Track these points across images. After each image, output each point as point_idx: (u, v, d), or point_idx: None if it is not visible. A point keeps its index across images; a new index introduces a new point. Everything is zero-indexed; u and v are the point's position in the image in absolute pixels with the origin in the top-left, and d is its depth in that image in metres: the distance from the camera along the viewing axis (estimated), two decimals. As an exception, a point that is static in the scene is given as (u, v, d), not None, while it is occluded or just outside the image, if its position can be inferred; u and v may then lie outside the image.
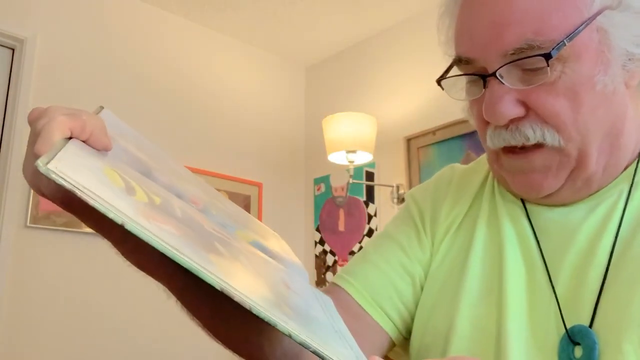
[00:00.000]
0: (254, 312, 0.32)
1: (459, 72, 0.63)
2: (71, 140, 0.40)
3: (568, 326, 0.57)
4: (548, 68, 0.54)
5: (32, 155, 0.42)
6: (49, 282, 2.37)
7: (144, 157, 0.50)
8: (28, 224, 2.35)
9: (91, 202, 0.32)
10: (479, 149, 3.02)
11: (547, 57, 0.54)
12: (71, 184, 0.32)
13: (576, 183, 0.61)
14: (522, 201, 0.66)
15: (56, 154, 0.35)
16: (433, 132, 2.75)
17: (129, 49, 2.81)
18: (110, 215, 0.32)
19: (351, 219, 3.08)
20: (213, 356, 2.76)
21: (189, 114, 2.98)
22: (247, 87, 3.29)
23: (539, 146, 0.58)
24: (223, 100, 3.15)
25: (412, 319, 0.69)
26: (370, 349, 0.65)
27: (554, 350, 0.57)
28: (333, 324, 0.46)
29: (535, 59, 0.54)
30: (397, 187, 2.85)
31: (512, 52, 0.55)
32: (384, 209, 2.92)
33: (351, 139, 2.66)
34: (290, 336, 0.32)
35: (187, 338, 2.70)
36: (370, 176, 3.02)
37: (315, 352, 0.33)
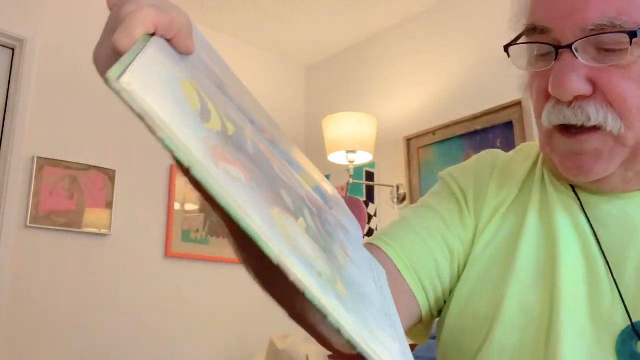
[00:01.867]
0: (307, 297, 0.30)
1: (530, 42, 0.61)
2: (154, 38, 0.36)
3: (634, 320, 0.56)
4: (630, 47, 0.53)
5: (109, 43, 0.37)
6: (49, 282, 2.37)
7: (217, 71, 0.46)
8: (28, 224, 2.35)
9: (159, 134, 0.29)
10: (479, 149, 3.00)
11: (632, 35, 0.52)
12: (142, 108, 0.28)
13: (628, 173, 0.60)
14: (575, 192, 0.65)
15: (132, 61, 0.31)
16: (433, 132, 2.75)
17: (129, 49, 2.81)
18: (179, 155, 0.29)
19: (351, 219, 3.08)
20: (215, 355, 2.76)
21: (189, 114, 2.98)
22: (247, 87, 3.28)
23: (596, 129, 0.56)
24: (223, 100, 3.15)
25: (444, 297, 0.68)
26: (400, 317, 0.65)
27: (612, 342, 0.56)
28: (384, 304, 0.44)
29: (615, 38, 0.53)
30: (397, 187, 2.85)
31: (592, 27, 0.54)
32: (384, 209, 2.92)
33: (351, 139, 2.66)
34: (339, 331, 0.31)
35: (187, 338, 2.70)
36: (370, 176, 3.02)
37: (361, 354, 0.31)
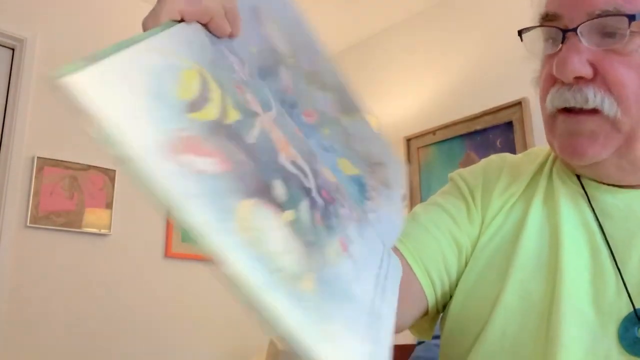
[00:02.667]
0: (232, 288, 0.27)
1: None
2: (180, 24, 0.38)
3: (636, 306, 0.58)
4: (628, 30, 0.56)
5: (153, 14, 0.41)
6: (49, 282, 2.37)
7: (282, 48, 0.45)
8: (28, 224, 2.35)
9: (93, 134, 0.26)
10: (479, 149, 2.98)
11: (631, 18, 0.56)
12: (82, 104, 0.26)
13: (621, 161, 0.62)
14: (582, 186, 0.67)
15: (94, 62, 0.29)
16: (433, 132, 2.75)
17: (129, 49, 2.81)
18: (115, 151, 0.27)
19: (351, 219, 3.07)
20: (215, 355, 2.76)
21: (189, 114, 2.98)
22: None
23: (594, 112, 0.59)
24: (223, 100, 3.15)
25: (450, 291, 0.69)
26: (406, 310, 0.65)
27: (615, 328, 0.57)
28: (374, 305, 0.41)
29: (617, 22, 0.57)
30: (397, 187, 2.85)
31: (599, 12, 0.57)
32: (384, 209, 2.92)
33: (351, 139, 2.65)
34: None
35: (187, 338, 2.70)
36: (370, 176, 3.02)
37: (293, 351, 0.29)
